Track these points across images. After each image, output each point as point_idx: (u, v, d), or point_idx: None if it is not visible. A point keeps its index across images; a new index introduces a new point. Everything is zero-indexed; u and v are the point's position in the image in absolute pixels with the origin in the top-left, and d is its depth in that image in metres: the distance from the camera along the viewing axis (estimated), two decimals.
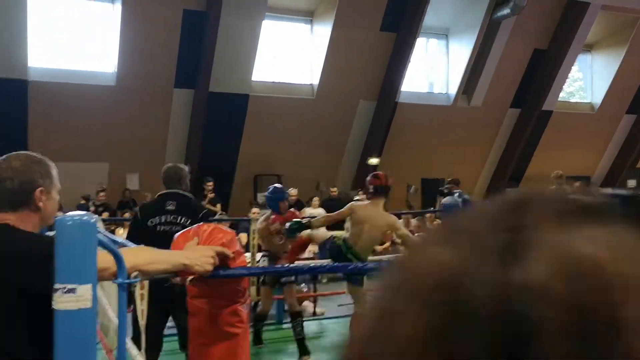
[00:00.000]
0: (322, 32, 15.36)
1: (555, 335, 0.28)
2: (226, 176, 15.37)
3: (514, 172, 19.45)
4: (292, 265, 5.45)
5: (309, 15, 15.79)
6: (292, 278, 6.28)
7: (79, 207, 10.58)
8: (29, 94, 12.98)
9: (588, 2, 16.60)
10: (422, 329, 0.31)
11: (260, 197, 14.84)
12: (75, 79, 13.36)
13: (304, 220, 5.81)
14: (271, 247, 6.26)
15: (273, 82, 15.58)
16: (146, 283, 1.92)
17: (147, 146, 14.51)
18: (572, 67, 18.68)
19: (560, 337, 0.28)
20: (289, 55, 16.02)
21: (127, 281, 1.75)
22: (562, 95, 19.27)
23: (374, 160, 16.70)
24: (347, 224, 5.55)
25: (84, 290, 1.52)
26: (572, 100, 20.47)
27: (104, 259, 1.68)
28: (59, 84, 13.12)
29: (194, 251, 2.07)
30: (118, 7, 13.22)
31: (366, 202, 5.64)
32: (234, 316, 2.42)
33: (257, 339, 6.45)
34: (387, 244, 8.98)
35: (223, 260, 2.16)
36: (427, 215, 11.01)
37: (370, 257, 5.64)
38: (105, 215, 11.36)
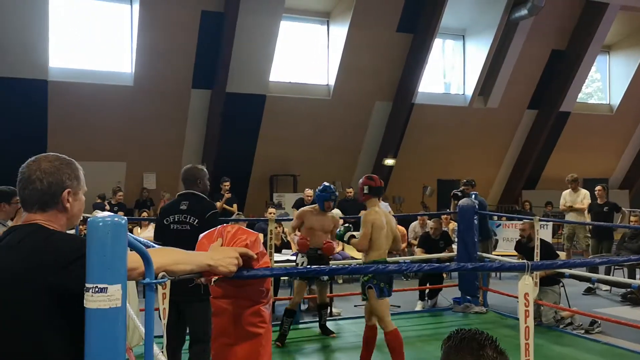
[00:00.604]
0: (338, 33, 15.36)
1: None
2: (242, 176, 15.44)
3: (530, 174, 19.31)
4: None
5: (325, 16, 15.80)
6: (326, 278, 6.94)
7: (95, 206, 10.68)
8: (48, 94, 13.14)
9: (607, 2, 16.45)
10: None
11: (276, 198, 14.89)
12: (93, 79, 13.48)
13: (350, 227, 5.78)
14: (317, 244, 6.71)
15: (290, 82, 15.61)
16: (168, 282, 1.95)
17: (164, 146, 14.62)
18: (591, 68, 18.52)
19: None
20: (305, 56, 16.04)
21: (155, 281, 1.78)
22: (581, 96, 19.08)
23: (389, 161, 16.68)
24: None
25: (115, 290, 1.56)
26: (590, 101, 20.26)
27: (132, 258, 1.72)
28: (78, 84, 13.25)
29: (218, 252, 2.10)
30: (136, 8, 13.32)
31: (371, 207, 5.59)
32: (257, 316, 2.46)
33: (281, 338, 6.56)
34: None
35: (247, 262, 2.19)
36: (443, 216, 10.97)
37: (370, 258, 5.59)
38: (121, 214, 11.41)
